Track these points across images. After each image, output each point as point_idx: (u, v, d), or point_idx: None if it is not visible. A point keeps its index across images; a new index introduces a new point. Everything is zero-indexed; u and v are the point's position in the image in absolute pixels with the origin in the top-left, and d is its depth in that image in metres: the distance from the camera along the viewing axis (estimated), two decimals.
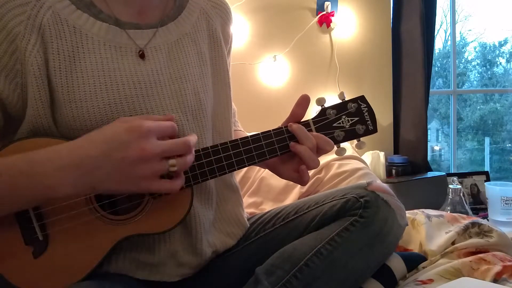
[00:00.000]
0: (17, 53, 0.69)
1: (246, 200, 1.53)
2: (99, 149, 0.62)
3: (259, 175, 1.58)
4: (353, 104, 0.82)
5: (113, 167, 0.62)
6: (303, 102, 0.80)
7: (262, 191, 1.56)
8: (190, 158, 0.67)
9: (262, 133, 0.78)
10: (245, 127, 1.07)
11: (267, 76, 1.93)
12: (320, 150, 0.79)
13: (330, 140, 0.79)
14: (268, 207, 1.47)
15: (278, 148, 0.79)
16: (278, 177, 0.84)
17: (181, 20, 0.83)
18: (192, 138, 0.68)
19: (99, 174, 0.62)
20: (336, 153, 0.82)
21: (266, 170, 1.61)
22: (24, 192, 0.62)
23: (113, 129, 0.64)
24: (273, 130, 0.79)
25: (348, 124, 0.81)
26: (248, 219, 0.95)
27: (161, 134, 0.65)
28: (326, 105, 0.82)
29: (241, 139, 0.77)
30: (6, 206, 0.64)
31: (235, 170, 0.77)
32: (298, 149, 0.77)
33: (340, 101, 0.83)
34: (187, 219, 0.77)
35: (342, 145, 0.83)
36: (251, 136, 0.78)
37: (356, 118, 0.81)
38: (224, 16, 0.90)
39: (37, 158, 0.63)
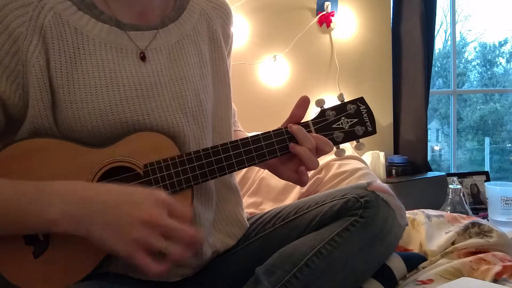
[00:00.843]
0: (19, 54, 0.69)
1: (246, 200, 1.53)
2: (113, 197, 0.64)
3: (259, 175, 1.58)
4: (352, 106, 0.82)
5: (116, 219, 0.63)
6: (303, 103, 0.80)
7: (262, 191, 1.56)
8: (185, 253, 0.65)
9: (262, 134, 0.79)
10: (245, 127, 1.07)
11: (267, 76, 1.93)
12: (320, 151, 0.79)
13: (329, 141, 0.79)
14: (268, 207, 1.47)
15: (278, 149, 0.79)
16: (278, 177, 0.84)
17: (181, 21, 0.83)
18: (201, 236, 0.69)
19: (100, 220, 0.63)
20: (336, 154, 0.83)
21: (266, 170, 1.62)
22: (29, 220, 0.63)
23: (133, 188, 0.66)
24: (273, 131, 0.79)
25: (348, 125, 0.82)
26: (248, 219, 0.95)
27: (173, 212, 0.65)
28: (326, 106, 0.82)
29: (241, 140, 0.77)
30: (8, 230, 0.65)
31: (235, 170, 0.77)
32: (298, 150, 0.77)
33: (339, 102, 0.83)
34: None
35: (342, 145, 0.83)
36: (251, 137, 0.78)
37: (355, 120, 0.82)
38: (225, 17, 0.91)
39: (48, 189, 0.64)
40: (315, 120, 0.81)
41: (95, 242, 0.64)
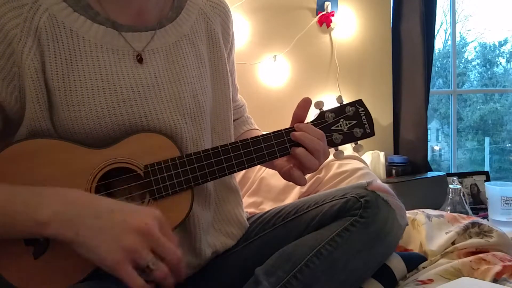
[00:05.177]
0: (14, 56, 0.69)
1: (246, 200, 1.53)
2: (107, 204, 0.63)
3: (259, 175, 1.58)
4: (351, 108, 0.83)
5: (109, 224, 0.61)
6: (304, 104, 0.80)
7: (262, 191, 1.56)
8: (170, 276, 0.63)
9: (262, 135, 0.79)
10: None
11: (267, 76, 1.93)
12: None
13: (318, 129, 0.79)
14: (268, 207, 1.47)
15: (278, 150, 0.79)
16: (278, 177, 0.85)
17: (179, 21, 0.83)
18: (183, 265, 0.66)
19: (91, 223, 0.61)
20: (335, 156, 0.83)
21: (266, 170, 1.62)
22: (20, 222, 0.62)
23: (128, 202, 0.66)
24: (272, 132, 0.80)
25: (346, 127, 0.82)
26: (248, 219, 0.95)
27: (164, 230, 0.64)
28: (325, 108, 0.82)
29: (241, 141, 0.78)
30: (3, 234, 0.64)
31: (235, 171, 0.78)
32: (295, 151, 0.78)
33: (338, 104, 0.83)
34: (185, 220, 0.78)
35: (342, 147, 0.83)
36: (250, 138, 0.78)
37: (354, 122, 0.82)
38: (223, 16, 0.90)
39: (42, 191, 0.64)
40: (314, 122, 0.82)
41: (82, 248, 0.61)
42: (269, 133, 0.79)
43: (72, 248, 0.62)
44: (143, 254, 0.61)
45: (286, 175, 0.82)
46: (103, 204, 0.64)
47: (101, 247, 0.60)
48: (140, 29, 0.78)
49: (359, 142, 0.84)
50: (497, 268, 0.87)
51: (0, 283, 0.67)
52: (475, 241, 0.98)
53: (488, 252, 0.94)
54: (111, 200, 0.65)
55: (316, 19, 1.96)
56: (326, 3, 1.94)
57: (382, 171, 1.93)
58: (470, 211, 1.48)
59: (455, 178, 1.54)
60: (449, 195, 1.50)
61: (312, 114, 0.83)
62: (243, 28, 1.88)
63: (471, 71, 3.67)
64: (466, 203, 1.50)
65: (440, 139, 3.63)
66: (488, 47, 3.63)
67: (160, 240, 0.62)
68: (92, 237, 0.61)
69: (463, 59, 3.59)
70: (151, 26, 0.79)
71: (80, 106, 0.71)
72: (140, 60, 0.76)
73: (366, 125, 0.83)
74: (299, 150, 0.77)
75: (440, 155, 3.62)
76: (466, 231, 1.01)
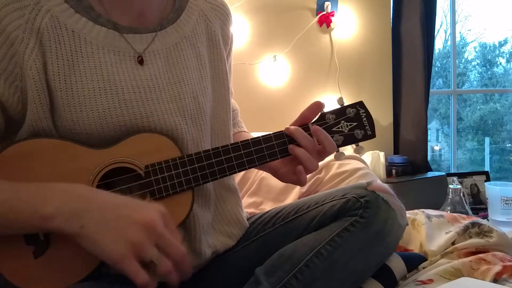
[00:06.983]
0: (16, 57, 0.69)
1: (246, 200, 1.53)
2: (113, 199, 0.64)
3: (259, 175, 1.58)
4: (351, 110, 0.83)
5: (115, 217, 0.62)
6: (315, 108, 0.81)
7: (262, 191, 1.56)
8: (173, 271, 0.63)
9: (262, 136, 0.79)
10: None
11: (267, 76, 1.93)
12: (321, 152, 0.79)
13: (328, 134, 0.80)
14: (268, 207, 1.47)
15: (278, 151, 0.79)
16: (279, 180, 0.85)
17: (180, 23, 0.83)
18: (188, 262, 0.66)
19: (97, 216, 0.61)
20: (335, 157, 0.83)
21: None
22: (24, 216, 0.62)
23: (135, 198, 0.66)
24: (273, 133, 0.79)
25: (347, 129, 0.82)
26: (248, 219, 0.95)
27: (168, 227, 0.64)
28: (326, 109, 0.82)
29: (241, 142, 0.78)
30: (5, 230, 0.64)
31: (235, 172, 0.78)
32: (296, 152, 0.78)
33: (339, 106, 0.83)
34: (185, 221, 0.78)
35: (343, 148, 0.84)
36: (251, 139, 0.78)
37: (355, 123, 0.83)
38: (223, 18, 0.90)
39: (47, 186, 0.64)
40: (315, 123, 0.82)
41: (86, 242, 0.61)
42: (269, 134, 0.79)
43: (76, 242, 0.61)
44: (147, 249, 0.61)
45: (282, 176, 0.82)
46: (107, 198, 0.64)
47: (105, 241, 0.60)
48: (141, 30, 0.78)
49: (360, 143, 0.84)
50: (497, 268, 0.87)
51: (1, 282, 0.67)
52: (475, 241, 0.98)
53: (488, 252, 0.94)
54: (115, 195, 0.66)
55: (316, 19, 1.96)
56: (326, 3, 1.94)
57: (382, 171, 1.93)
58: (470, 211, 1.48)
59: (455, 178, 1.54)
60: (449, 195, 1.50)
61: None
62: (243, 28, 1.89)
63: (471, 71, 3.68)
64: (466, 203, 1.50)
65: (440, 139, 3.63)
66: (488, 47, 3.63)
67: (165, 236, 0.62)
68: (96, 230, 0.61)
69: (463, 59, 3.59)
70: (152, 27, 0.79)
71: (82, 107, 0.71)
72: (141, 61, 0.76)
73: (367, 127, 0.83)
74: (299, 149, 0.78)
75: (440, 155, 3.63)
76: (466, 231, 1.01)
